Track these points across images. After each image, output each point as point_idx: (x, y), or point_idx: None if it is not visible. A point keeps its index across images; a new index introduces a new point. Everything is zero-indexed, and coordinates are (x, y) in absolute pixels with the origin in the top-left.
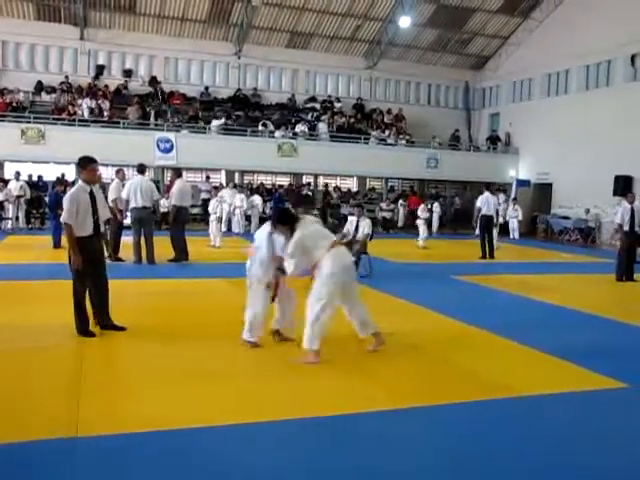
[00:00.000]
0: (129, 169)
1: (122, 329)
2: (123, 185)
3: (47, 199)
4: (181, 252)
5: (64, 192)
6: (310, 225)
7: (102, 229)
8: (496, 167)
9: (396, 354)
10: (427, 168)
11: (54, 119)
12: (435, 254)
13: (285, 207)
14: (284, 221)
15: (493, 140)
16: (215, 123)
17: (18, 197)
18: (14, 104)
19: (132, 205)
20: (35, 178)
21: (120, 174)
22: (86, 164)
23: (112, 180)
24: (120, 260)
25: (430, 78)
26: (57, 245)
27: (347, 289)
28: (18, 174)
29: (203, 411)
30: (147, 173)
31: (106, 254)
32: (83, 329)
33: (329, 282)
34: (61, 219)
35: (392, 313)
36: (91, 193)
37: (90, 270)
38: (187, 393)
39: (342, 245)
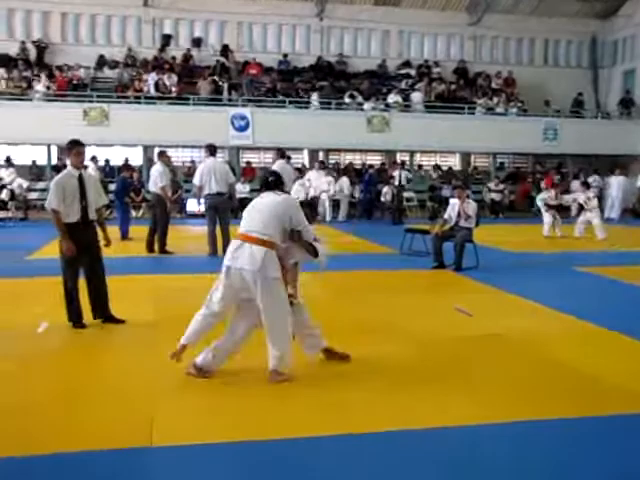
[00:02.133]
0: (200, 150)
1: (121, 322)
2: (171, 170)
3: (114, 186)
4: None
5: (131, 178)
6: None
7: (94, 216)
8: (631, 137)
9: (502, 358)
10: (544, 141)
11: (118, 97)
12: (557, 242)
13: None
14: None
15: (626, 104)
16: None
17: None
18: (75, 81)
19: (206, 191)
20: (102, 163)
21: (164, 157)
22: (72, 147)
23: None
24: (168, 253)
25: (547, 33)
26: (125, 236)
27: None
28: (95, 159)
29: (292, 421)
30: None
31: (102, 242)
32: (73, 319)
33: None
34: (45, 205)
35: (502, 310)
36: (80, 178)
37: (80, 257)
38: (268, 401)
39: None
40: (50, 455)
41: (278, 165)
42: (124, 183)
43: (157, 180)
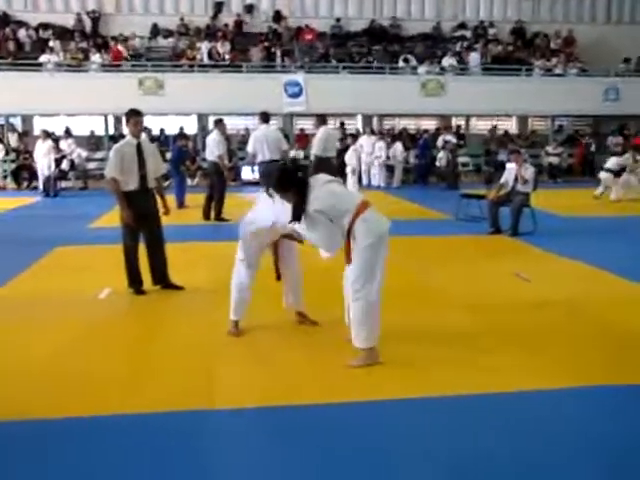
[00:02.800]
0: (254, 118)
1: (180, 288)
2: (226, 138)
3: (169, 155)
4: None
5: (186, 147)
6: (323, 186)
7: (153, 184)
8: None
9: (576, 327)
10: (605, 102)
11: (172, 66)
12: (619, 204)
13: (287, 165)
14: (285, 185)
15: None
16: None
17: None
18: (130, 52)
19: (259, 159)
20: (156, 132)
21: (220, 125)
22: (130, 117)
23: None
24: (224, 220)
25: None
26: (181, 205)
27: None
28: (147, 130)
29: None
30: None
31: (161, 211)
32: (134, 285)
33: (370, 254)
34: (105, 173)
35: (566, 277)
36: (138, 146)
37: (140, 225)
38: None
39: (371, 205)
40: (113, 416)
41: (322, 132)
42: (180, 152)
43: (214, 149)
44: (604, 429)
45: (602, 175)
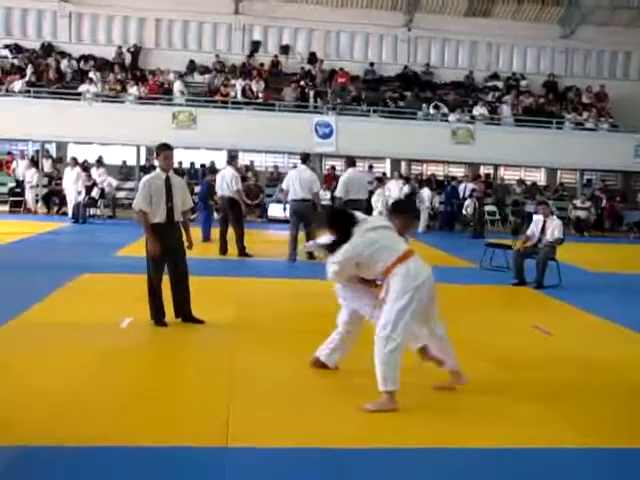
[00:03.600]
0: (283, 156)
1: (201, 322)
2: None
3: (198, 188)
4: None
5: (215, 181)
6: (371, 231)
7: (179, 217)
8: None
9: (589, 383)
10: (635, 158)
11: (206, 101)
12: None
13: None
14: (334, 224)
15: None
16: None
17: None
18: (166, 85)
19: (290, 197)
20: (186, 165)
21: (235, 162)
22: (160, 150)
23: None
24: (248, 255)
25: None
26: (206, 239)
27: (428, 312)
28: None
29: (370, 430)
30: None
31: (185, 244)
32: (156, 317)
33: (400, 303)
34: (133, 205)
35: (587, 332)
36: (167, 180)
37: (165, 257)
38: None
39: (414, 254)
40: (125, 447)
41: (349, 173)
42: (209, 186)
43: (231, 184)
44: None
45: None
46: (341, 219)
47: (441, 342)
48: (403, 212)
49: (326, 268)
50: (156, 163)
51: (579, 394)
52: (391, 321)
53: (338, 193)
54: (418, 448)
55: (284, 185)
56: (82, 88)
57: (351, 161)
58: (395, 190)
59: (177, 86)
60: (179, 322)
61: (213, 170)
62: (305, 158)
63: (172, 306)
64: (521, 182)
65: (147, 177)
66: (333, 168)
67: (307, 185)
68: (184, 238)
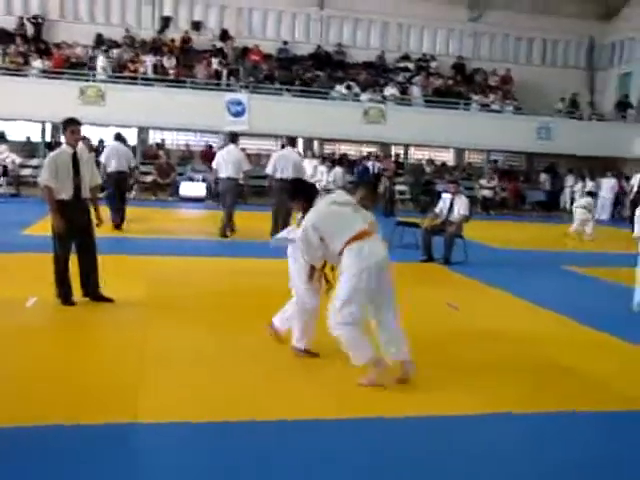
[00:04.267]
0: (195, 134)
1: (110, 300)
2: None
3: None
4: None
5: None
6: (330, 204)
7: (87, 194)
8: (625, 140)
9: (496, 356)
10: (537, 140)
11: (115, 77)
12: (545, 239)
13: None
14: (296, 194)
15: (623, 107)
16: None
17: None
18: (73, 60)
19: (219, 175)
20: (95, 142)
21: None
22: (67, 125)
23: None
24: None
25: (545, 32)
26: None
27: (376, 298)
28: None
29: (287, 403)
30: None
31: (95, 221)
32: (64, 297)
33: (350, 284)
34: (38, 180)
35: (491, 307)
36: (74, 155)
37: (71, 235)
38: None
39: (371, 235)
40: (31, 427)
41: (280, 152)
42: None
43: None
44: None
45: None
46: (303, 187)
47: (390, 335)
48: (366, 186)
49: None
50: (62, 139)
51: (485, 366)
52: (341, 299)
53: (268, 170)
54: (333, 419)
55: (214, 164)
56: None
57: (291, 141)
58: (309, 169)
59: (100, 62)
60: (87, 301)
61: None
62: (234, 138)
63: (80, 285)
64: (430, 162)
65: (53, 153)
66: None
67: (236, 164)
68: (93, 216)
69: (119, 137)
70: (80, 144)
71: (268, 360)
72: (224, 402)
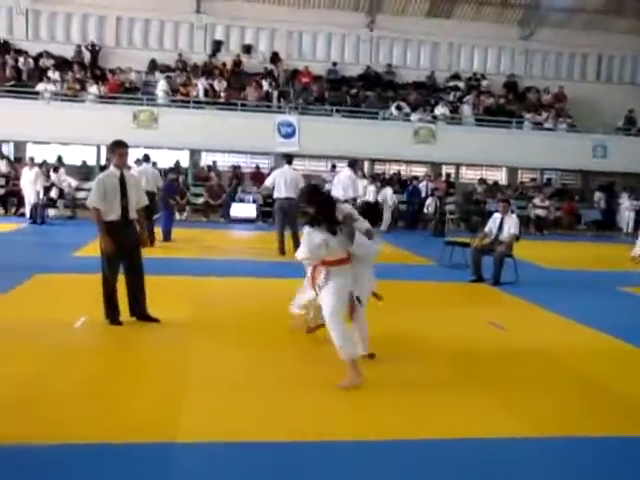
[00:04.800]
0: (246, 156)
1: (156, 320)
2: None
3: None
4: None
5: (177, 181)
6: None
7: (134, 215)
8: None
9: (541, 376)
10: (593, 158)
11: (169, 101)
12: (600, 259)
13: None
14: (310, 201)
15: None
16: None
17: None
18: (127, 85)
19: (276, 195)
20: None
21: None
22: (115, 148)
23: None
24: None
25: (600, 48)
26: (166, 239)
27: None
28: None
29: (317, 424)
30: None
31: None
32: (112, 317)
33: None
34: (87, 202)
35: (539, 327)
36: (121, 177)
37: (120, 256)
38: (291, 403)
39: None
40: (77, 445)
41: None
42: (170, 186)
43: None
44: None
45: None
46: (318, 194)
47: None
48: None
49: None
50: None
51: (529, 387)
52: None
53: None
54: (375, 441)
55: (268, 183)
56: (40, 87)
57: (288, 159)
58: (359, 189)
59: (161, 85)
60: (134, 321)
61: (173, 169)
62: (289, 159)
63: (127, 305)
64: (482, 181)
65: (101, 175)
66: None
67: (293, 184)
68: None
69: (147, 159)
70: (144, 164)
71: (307, 381)
72: (261, 422)
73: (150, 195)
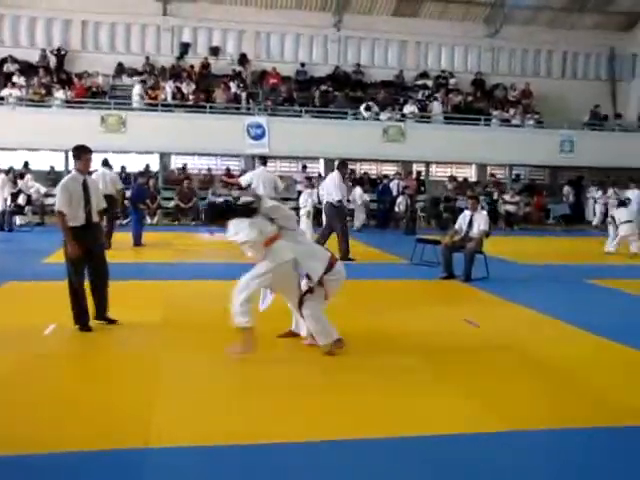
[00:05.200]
0: (216, 158)
1: (114, 322)
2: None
3: (129, 192)
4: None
5: (147, 185)
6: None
7: (97, 219)
8: None
9: (513, 370)
10: (560, 153)
11: (136, 105)
12: (569, 253)
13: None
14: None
15: None
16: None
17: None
18: (94, 89)
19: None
20: (118, 169)
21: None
22: (81, 154)
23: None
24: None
25: (565, 45)
26: (137, 243)
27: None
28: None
29: (286, 425)
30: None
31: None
32: (81, 322)
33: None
34: (55, 208)
35: (511, 323)
36: (84, 183)
37: (85, 260)
38: (265, 404)
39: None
40: (46, 454)
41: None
42: (140, 190)
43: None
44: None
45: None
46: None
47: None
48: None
49: None
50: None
51: (503, 381)
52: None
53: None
54: (340, 440)
55: (244, 181)
56: (4, 92)
57: (262, 161)
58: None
59: (137, 90)
60: (104, 326)
61: (143, 174)
62: (264, 161)
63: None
64: (452, 178)
65: (64, 180)
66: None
67: (271, 185)
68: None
69: (106, 163)
70: (106, 169)
71: (279, 383)
72: (232, 425)
73: (109, 198)
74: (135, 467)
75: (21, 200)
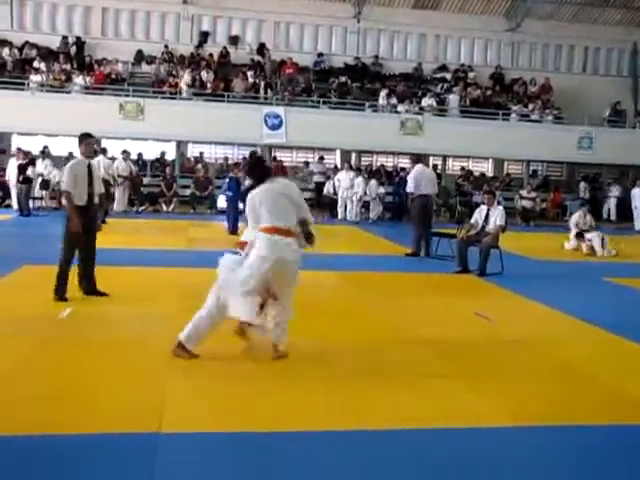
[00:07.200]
0: (233, 147)
1: (104, 295)
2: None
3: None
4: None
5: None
6: (270, 189)
7: (97, 201)
8: None
9: (527, 367)
10: (579, 149)
11: (154, 92)
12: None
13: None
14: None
15: None
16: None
17: (125, 178)
18: (113, 76)
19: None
20: (134, 156)
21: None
22: (83, 138)
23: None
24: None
25: (587, 40)
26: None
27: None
28: (127, 153)
29: (295, 415)
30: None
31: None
32: (60, 294)
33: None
34: (62, 188)
35: (525, 318)
36: (89, 167)
37: (82, 237)
38: (270, 395)
39: (288, 237)
40: (59, 435)
41: (417, 169)
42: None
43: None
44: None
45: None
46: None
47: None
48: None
49: None
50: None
51: (514, 377)
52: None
53: (409, 189)
54: (348, 431)
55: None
56: (31, 77)
57: (417, 158)
58: (345, 181)
59: (185, 78)
60: (124, 311)
61: (238, 164)
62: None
63: (80, 284)
64: (469, 172)
65: (71, 163)
66: (275, 159)
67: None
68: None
69: (103, 151)
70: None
71: (289, 371)
72: (242, 412)
73: (105, 183)
74: (147, 451)
75: (38, 185)
